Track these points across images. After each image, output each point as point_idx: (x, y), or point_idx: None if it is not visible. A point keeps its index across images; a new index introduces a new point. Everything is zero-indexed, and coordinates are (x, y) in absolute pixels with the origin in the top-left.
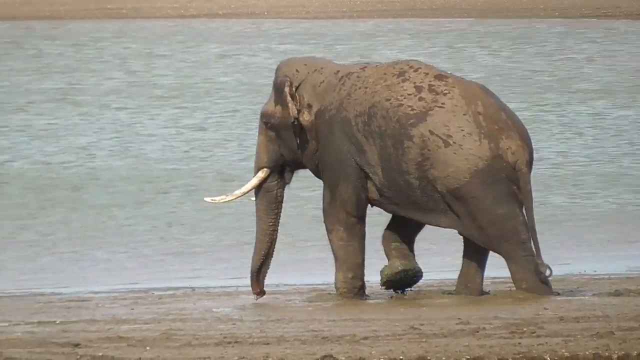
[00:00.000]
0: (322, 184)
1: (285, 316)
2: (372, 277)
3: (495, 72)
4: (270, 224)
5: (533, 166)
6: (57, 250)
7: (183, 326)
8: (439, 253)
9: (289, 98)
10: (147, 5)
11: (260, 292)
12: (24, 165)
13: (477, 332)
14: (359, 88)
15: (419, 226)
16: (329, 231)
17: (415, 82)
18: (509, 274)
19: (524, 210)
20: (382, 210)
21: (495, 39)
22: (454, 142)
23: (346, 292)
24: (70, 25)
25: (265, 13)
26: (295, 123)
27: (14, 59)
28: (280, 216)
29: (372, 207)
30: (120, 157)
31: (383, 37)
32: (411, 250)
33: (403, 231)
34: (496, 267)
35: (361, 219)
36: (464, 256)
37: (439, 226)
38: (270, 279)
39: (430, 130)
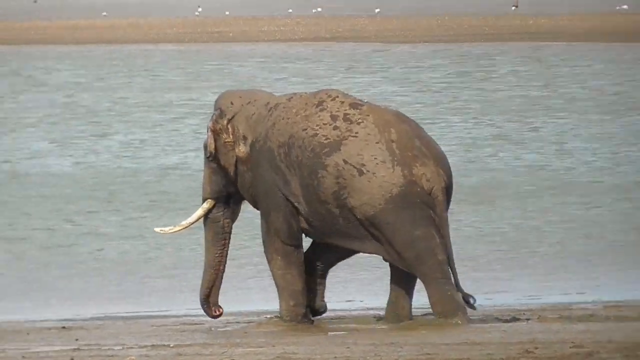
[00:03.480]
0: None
1: (399, 340)
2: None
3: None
4: (217, 254)
5: (452, 192)
6: (167, 273)
7: (297, 349)
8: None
9: (209, 133)
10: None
11: (218, 315)
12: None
13: (591, 355)
14: (282, 119)
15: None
16: (268, 261)
17: (331, 112)
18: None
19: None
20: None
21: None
22: (368, 171)
23: (289, 320)
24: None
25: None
26: (211, 158)
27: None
28: (228, 247)
29: (306, 237)
30: None
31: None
32: (322, 285)
33: (318, 265)
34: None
35: (297, 246)
36: (391, 283)
37: (365, 252)
38: (379, 302)
39: (344, 160)
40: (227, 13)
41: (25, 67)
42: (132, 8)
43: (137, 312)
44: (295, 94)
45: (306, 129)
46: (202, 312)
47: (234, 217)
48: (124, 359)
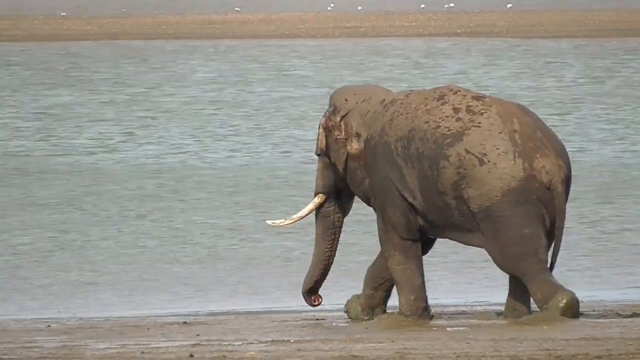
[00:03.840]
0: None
1: (519, 335)
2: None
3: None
4: (327, 249)
5: (571, 183)
6: (288, 269)
7: (417, 345)
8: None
9: (320, 129)
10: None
11: (318, 304)
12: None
13: None
14: (401, 114)
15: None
16: (386, 258)
17: (454, 105)
18: None
19: (554, 229)
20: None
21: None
22: (489, 161)
23: (410, 314)
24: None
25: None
26: (321, 154)
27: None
28: (337, 241)
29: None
30: None
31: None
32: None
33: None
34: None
35: (414, 240)
36: (510, 278)
37: (473, 245)
38: (500, 297)
39: (466, 149)
40: (359, 8)
41: (158, 61)
42: (265, 3)
43: (258, 307)
44: (412, 90)
45: (428, 122)
46: (323, 307)
47: (345, 212)
48: (244, 355)
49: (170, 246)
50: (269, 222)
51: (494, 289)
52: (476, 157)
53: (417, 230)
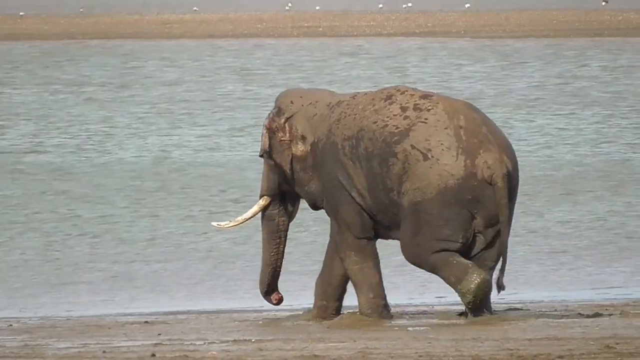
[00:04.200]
0: (328, 214)
1: (480, 335)
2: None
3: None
4: (273, 252)
5: (518, 179)
6: (249, 268)
7: (379, 344)
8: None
9: (264, 130)
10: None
11: (279, 300)
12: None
13: None
14: (348, 115)
15: None
16: (342, 259)
17: (401, 104)
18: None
19: (496, 225)
20: None
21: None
22: (432, 157)
23: (371, 312)
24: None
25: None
26: (265, 156)
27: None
28: (284, 244)
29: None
30: None
31: None
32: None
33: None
34: None
35: (369, 238)
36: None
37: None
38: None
39: (412, 145)
40: (317, 8)
41: (114, 61)
42: (223, 3)
43: (219, 307)
44: (358, 92)
45: (376, 122)
46: (284, 306)
47: (290, 215)
48: (205, 354)
49: (131, 245)
50: (214, 224)
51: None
52: (421, 152)
53: (371, 228)
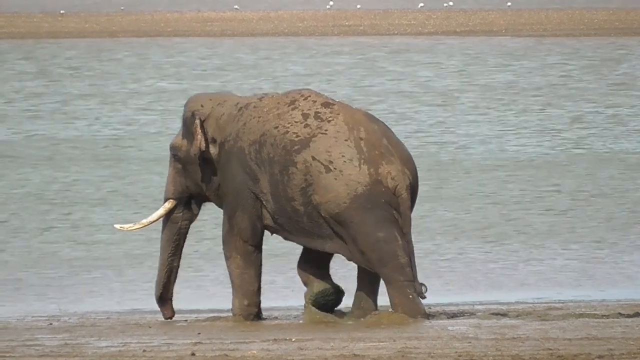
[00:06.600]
0: (222, 213)
1: (520, 334)
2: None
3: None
4: (170, 254)
5: (417, 191)
6: (285, 268)
7: (419, 344)
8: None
9: (198, 130)
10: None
11: (171, 316)
12: None
13: None
14: (254, 117)
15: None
16: (226, 258)
17: (303, 110)
18: None
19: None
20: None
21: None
22: (335, 168)
23: (242, 318)
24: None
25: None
26: (198, 156)
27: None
28: (182, 247)
29: (271, 235)
30: None
31: None
32: (327, 272)
33: (316, 257)
34: None
35: (257, 247)
36: (358, 279)
37: (327, 251)
38: (502, 297)
39: (312, 156)
40: (358, 7)
41: (154, 58)
42: (263, 1)
43: (261, 305)
44: (266, 94)
45: (278, 127)
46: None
47: (192, 218)
48: (245, 353)
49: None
50: (117, 226)
51: (494, 288)
52: (322, 164)
53: (261, 237)
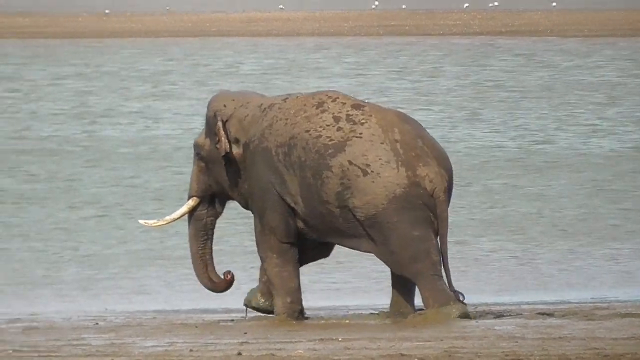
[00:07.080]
0: (253, 215)
1: (566, 334)
2: None
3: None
4: (200, 248)
5: (452, 189)
6: (333, 267)
7: (465, 344)
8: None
9: (221, 132)
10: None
11: (231, 279)
12: None
13: None
14: (280, 119)
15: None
16: (262, 259)
17: (333, 113)
18: None
19: (438, 237)
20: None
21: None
22: (372, 171)
23: (286, 316)
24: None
25: None
26: (226, 157)
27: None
28: (211, 242)
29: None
30: None
31: None
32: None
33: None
34: None
35: (292, 244)
36: (393, 285)
37: (359, 250)
38: (548, 297)
39: (349, 161)
40: (403, 7)
41: (202, 58)
42: (308, 1)
43: (306, 307)
44: (290, 94)
45: (309, 130)
46: (370, 305)
47: (217, 215)
48: (292, 353)
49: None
50: (141, 221)
51: (540, 288)
52: (359, 168)
53: (296, 234)
